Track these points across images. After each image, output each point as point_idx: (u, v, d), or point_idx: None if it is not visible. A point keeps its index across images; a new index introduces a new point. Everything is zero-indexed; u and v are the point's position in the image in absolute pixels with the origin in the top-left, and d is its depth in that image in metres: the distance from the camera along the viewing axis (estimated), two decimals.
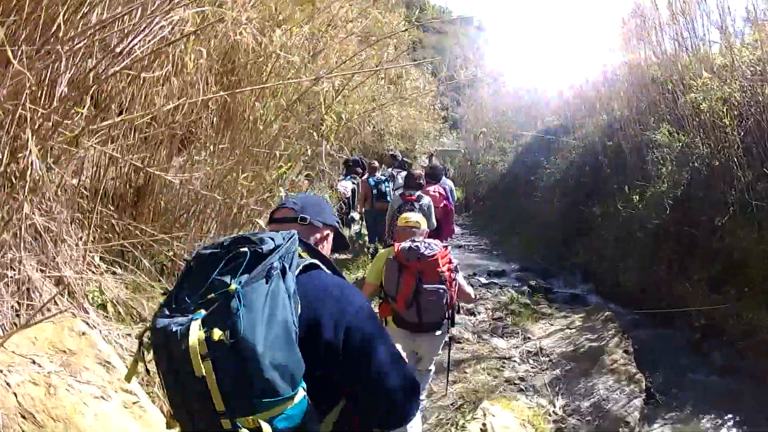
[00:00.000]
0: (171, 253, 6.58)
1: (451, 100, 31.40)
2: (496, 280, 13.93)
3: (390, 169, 15.42)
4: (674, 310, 10.00)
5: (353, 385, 2.42)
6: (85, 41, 4.47)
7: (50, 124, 4.60)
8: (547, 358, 8.73)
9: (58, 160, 5.07)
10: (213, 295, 2.13)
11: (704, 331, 9.42)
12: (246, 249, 2.25)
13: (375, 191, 12.81)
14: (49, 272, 4.84)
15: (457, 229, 19.94)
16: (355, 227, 14.42)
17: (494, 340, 9.45)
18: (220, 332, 2.01)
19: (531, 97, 30.40)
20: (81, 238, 5.38)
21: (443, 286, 5.45)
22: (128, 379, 2.30)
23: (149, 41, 4.75)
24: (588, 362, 8.29)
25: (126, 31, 4.71)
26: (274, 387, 2.09)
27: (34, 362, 3.79)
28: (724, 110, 10.00)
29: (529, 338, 9.58)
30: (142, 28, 4.64)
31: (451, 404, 7.21)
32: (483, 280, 13.95)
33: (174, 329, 2.06)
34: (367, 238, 13.44)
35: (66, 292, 4.91)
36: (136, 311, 5.53)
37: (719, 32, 11.72)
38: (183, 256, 6.68)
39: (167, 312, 2.18)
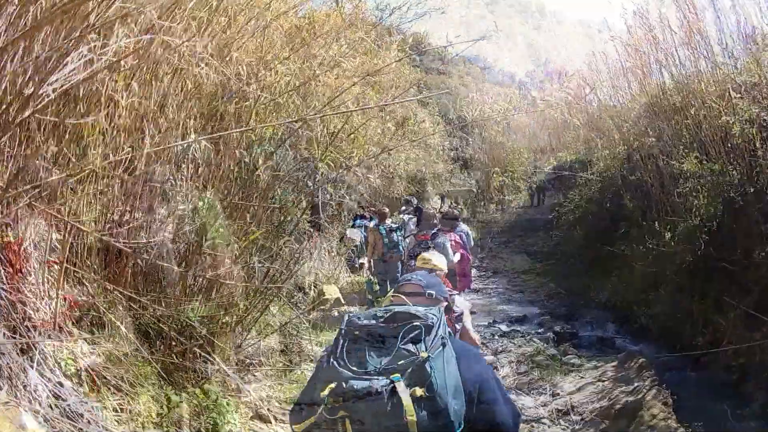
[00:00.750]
0: (157, 314, 5.94)
1: (460, 139, 30.75)
2: (518, 327, 13.07)
3: (402, 216, 14.86)
4: (709, 351, 9.19)
5: (478, 416, 2.90)
6: None
7: None
8: (580, 417, 7.95)
9: None
10: (403, 361, 2.71)
11: (743, 371, 8.65)
12: (419, 323, 2.84)
13: (386, 240, 12.13)
14: (18, 339, 4.36)
15: (473, 272, 19.30)
16: (365, 276, 13.74)
17: (521, 399, 8.64)
18: (421, 390, 2.62)
19: (543, 133, 30.01)
20: (53, 300, 4.76)
21: None
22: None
23: (66, 78, 3.97)
24: (625, 419, 7.54)
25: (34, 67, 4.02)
26: (453, 426, 2.68)
27: None
28: (754, 132, 9.38)
29: (558, 394, 8.77)
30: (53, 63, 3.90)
31: None
32: (504, 327, 13.07)
33: (379, 389, 2.62)
34: (378, 288, 12.74)
35: (35, 361, 4.42)
36: (113, 383, 4.99)
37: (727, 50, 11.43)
38: (169, 320, 6.08)
39: (351, 374, 2.71)
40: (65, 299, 4.59)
